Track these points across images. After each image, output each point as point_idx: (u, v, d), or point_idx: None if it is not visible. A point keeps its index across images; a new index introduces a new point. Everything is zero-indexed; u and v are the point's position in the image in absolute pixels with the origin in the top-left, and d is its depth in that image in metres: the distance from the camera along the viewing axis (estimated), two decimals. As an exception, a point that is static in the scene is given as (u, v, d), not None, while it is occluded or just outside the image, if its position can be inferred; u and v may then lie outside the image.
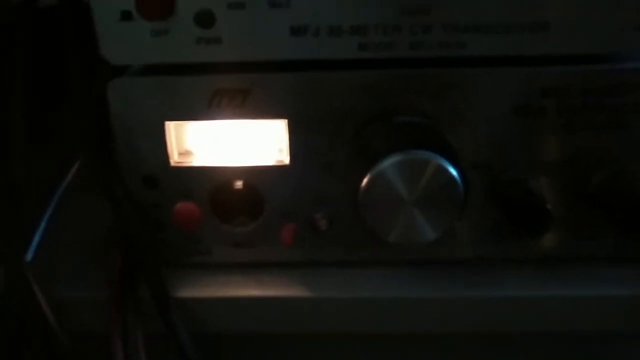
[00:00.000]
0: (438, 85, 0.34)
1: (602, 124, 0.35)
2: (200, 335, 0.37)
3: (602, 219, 0.36)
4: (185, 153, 0.37)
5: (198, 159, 0.36)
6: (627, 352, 0.40)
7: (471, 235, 0.38)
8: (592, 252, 0.38)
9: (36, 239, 0.38)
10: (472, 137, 0.35)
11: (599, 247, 0.38)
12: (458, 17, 0.33)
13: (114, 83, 0.34)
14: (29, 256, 0.37)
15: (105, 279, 0.36)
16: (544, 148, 0.36)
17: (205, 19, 0.32)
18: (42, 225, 0.39)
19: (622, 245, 0.37)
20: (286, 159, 0.36)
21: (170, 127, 0.35)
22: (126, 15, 0.32)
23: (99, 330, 0.35)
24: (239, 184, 0.37)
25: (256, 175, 0.36)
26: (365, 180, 0.32)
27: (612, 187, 0.35)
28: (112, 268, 0.36)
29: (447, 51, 0.34)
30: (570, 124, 0.35)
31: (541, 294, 0.37)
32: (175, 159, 0.36)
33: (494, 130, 0.35)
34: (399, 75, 0.34)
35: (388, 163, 0.32)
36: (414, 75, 0.34)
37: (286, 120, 0.35)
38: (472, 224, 0.37)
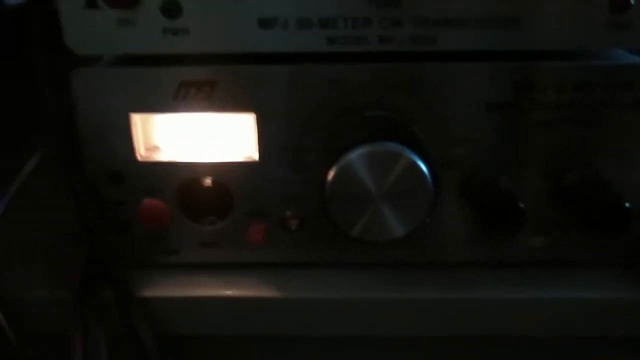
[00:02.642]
0: (408, 80, 0.34)
1: (575, 121, 0.34)
2: (166, 337, 0.36)
3: (576, 219, 0.35)
4: (152, 148, 0.36)
5: (166, 154, 0.36)
6: (605, 356, 0.39)
7: (444, 236, 0.37)
8: (567, 254, 0.37)
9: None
10: (444, 133, 0.35)
11: (574, 250, 0.37)
12: (429, 11, 0.33)
13: (78, 73, 0.33)
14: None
15: (67, 279, 0.35)
16: (517, 145, 0.35)
17: (171, 9, 0.32)
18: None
19: (597, 247, 0.37)
20: (255, 155, 0.35)
21: (136, 120, 0.34)
22: (91, 3, 0.32)
23: (59, 332, 0.34)
24: (207, 181, 0.36)
25: (225, 172, 0.36)
26: (332, 173, 0.31)
27: (585, 185, 0.35)
28: (75, 267, 0.35)
29: (418, 46, 0.33)
30: (543, 121, 0.34)
31: (516, 297, 0.36)
32: (142, 153, 0.35)
33: (466, 126, 0.35)
34: (368, 70, 0.34)
35: (356, 155, 0.31)
36: (384, 70, 0.34)
37: (254, 114, 0.34)
38: (444, 224, 0.36)
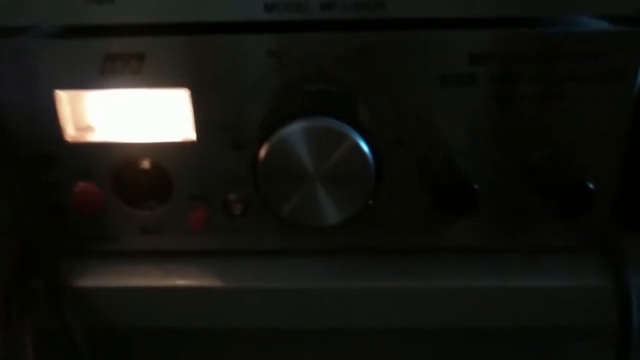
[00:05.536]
0: (354, 50, 0.31)
1: (538, 95, 0.32)
2: (100, 330, 0.34)
3: (539, 203, 0.32)
4: (85, 128, 0.34)
5: (98, 135, 0.33)
6: (571, 347, 0.36)
7: (397, 219, 0.34)
8: (529, 240, 0.34)
9: None
10: (395, 109, 0.32)
11: (536, 236, 0.34)
12: (374, -25, 0.30)
13: (-4, 45, 0.31)
14: None
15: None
16: (475, 122, 0.32)
17: (94, -25, 0.30)
18: None
19: (563, 232, 0.34)
20: (192, 135, 0.33)
21: (62, 97, 0.32)
22: (8, -28, 0.30)
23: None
24: (144, 162, 0.34)
25: (162, 153, 0.33)
26: (264, 148, 0.28)
27: (550, 166, 0.32)
28: (6, 258, 0.33)
29: (364, 13, 0.31)
30: (503, 95, 0.32)
31: (474, 285, 0.33)
32: (71, 134, 0.33)
33: (418, 101, 0.32)
34: (310, 40, 0.31)
35: (290, 130, 0.28)
36: (327, 40, 0.31)
37: (188, 90, 0.32)
38: (397, 207, 0.34)
